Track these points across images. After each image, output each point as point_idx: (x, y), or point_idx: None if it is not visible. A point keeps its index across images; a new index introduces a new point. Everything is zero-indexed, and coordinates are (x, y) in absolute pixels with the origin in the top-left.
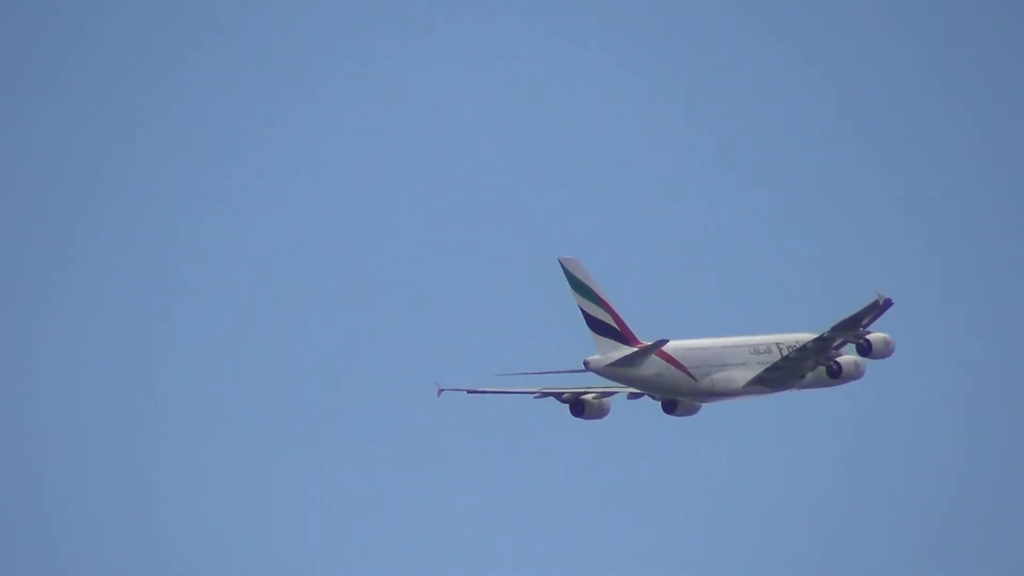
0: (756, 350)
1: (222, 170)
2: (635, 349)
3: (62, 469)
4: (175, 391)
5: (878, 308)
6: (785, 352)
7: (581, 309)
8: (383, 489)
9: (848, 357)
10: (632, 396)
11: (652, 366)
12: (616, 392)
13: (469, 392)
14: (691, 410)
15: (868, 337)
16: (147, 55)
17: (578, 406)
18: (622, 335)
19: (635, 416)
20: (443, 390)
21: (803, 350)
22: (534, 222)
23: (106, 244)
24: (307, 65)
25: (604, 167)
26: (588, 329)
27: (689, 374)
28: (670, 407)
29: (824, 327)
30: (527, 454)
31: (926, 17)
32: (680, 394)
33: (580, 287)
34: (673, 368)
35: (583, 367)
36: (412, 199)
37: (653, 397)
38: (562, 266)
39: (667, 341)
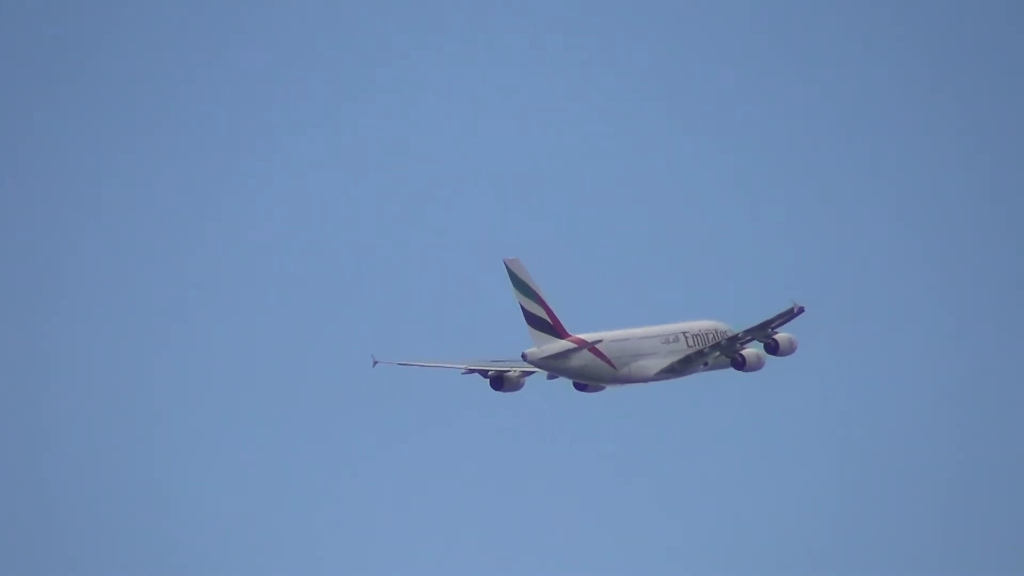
0: (666, 339)
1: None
2: (568, 344)
3: (63, 469)
4: (173, 384)
5: (791, 315)
6: (691, 341)
7: (520, 305)
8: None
9: (751, 351)
10: (551, 377)
11: (580, 358)
12: (534, 373)
13: (401, 364)
14: (598, 388)
15: (776, 337)
16: (149, 55)
17: (499, 381)
18: (555, 329)
19: (548, 391)
20: (377, 362)
21: (716, 346)
22: (489, 224)
23: (108, 244)
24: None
25: (554, 171)
26: (525, 324)
27: (611, 364)
28: (581, 386)
29: (720, 314)
30: (449, 419)
31: (924, 17)
32: (601, 381)
33: (521, 285)
34: (597, 359)
35: (521, 358)
36: (388, 201)
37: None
38: (506, 266)
39: (600, 341)
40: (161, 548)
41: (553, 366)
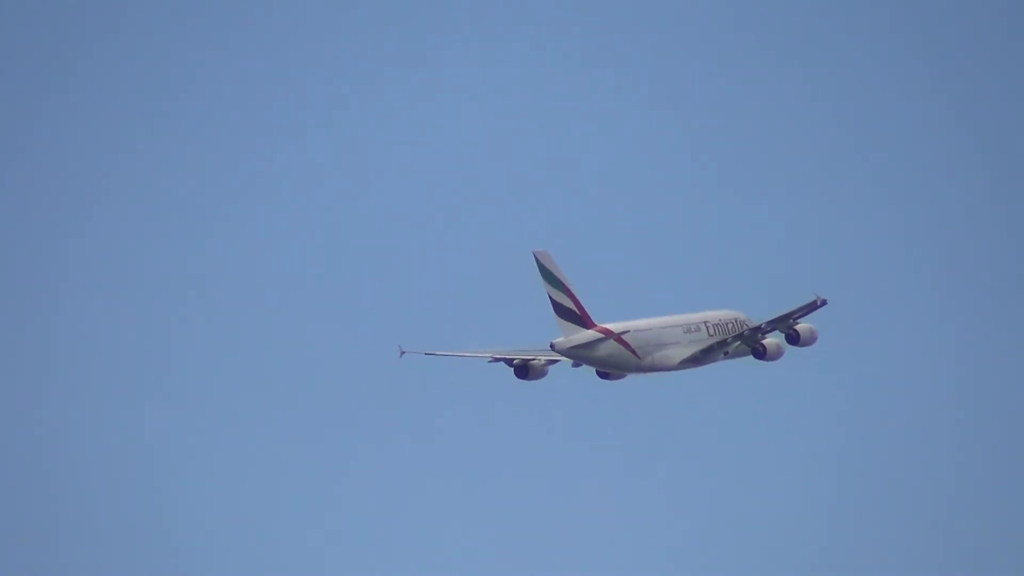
0: (688, 329)
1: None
2: (595, 333)
3: (65, 469)
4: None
5: (814, 307)
6: (712, 330)
7: (549, 296)
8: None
9: (772, 340)
10: (575, 365)
11: (606, 348)
12: (559, 361)
13: (427, 354)
14: (620, 376)
15: (796, 328)
16: (152, 58)
17: (523, 369)
18: (582, 320)
19: (572, 379)
20: (404, 352)
21: (738, 336)
22: (516, 217)
23: (112, 246)
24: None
25: (577, 165)
26: (554, 314)
27: (635, 353)
28: (604, 374)
29: (739, 303)
30: (476, 405)
31: (921, 17)
32: (626, 370)
33: (549, 277)
34: (623, 349)
35: (550, 347)
36: (414, 197)
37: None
38: (535, 258)
39: (628, 332)
40: (186, 547)
41: (580, 355)
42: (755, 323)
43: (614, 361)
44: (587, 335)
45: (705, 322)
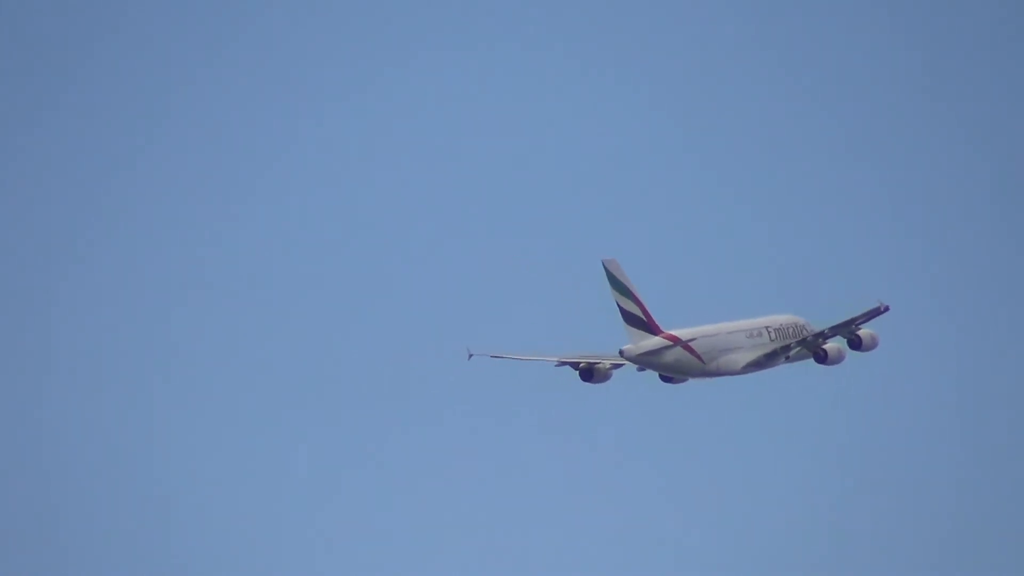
0: (751, 334)
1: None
2: (663, 340)
3: (65, 469)
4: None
5: (876, 314)
6: (773, 335)
7: (617, 304)
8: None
9: (833, 345)
10: (640, 369)
11: (672, 354)
12: (623, 365)
13: (493, 357)
14: (682, 380)
15: (859, 333)
16: (151, 58)
17: (588, 372)
18: (649, 326)
19: (635, 382)
20: (472, 355)
21: (801, 341)
22: (578, 225)
23: (112, 246)
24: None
25: (639, 175)
26: (623, 322)
27: (700, 359)
28: (667, 377)
29: (800, 307)
30: (543, 407)
31: (921, 18)
32: (691, 375)
33: (617, 285)
34: (689, 355)
35: (619, 354)
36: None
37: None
38: (604, 267)
39: (695, 340)
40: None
41: (648, 361)
42: (814, 327)
43: (680, 366)
44: (655, 342)
45: (767, 327)
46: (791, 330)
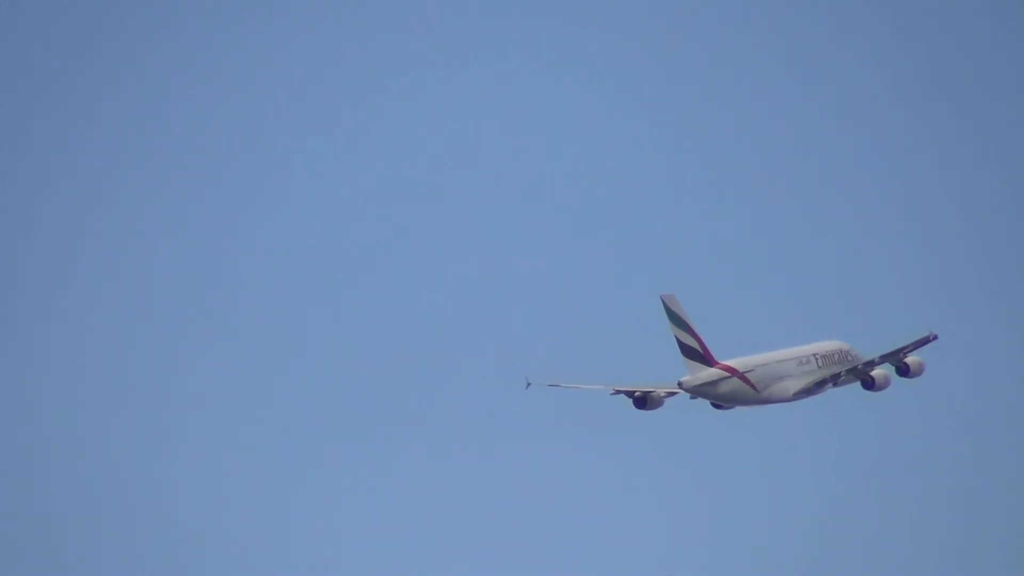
0: (800, 362)
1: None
2: (719, 372)
3: (65, 469)
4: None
5: (926, 342)
6: (820, 362)
7: (676, 338)
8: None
9: (880, 372)
10: (693, 397)
11: (728, 384)
12: (677, 393)
13: (550, 386)
14: (731, 407)
15: (907, 360)
16: (152, 58)
17: (643, 400)
18: (705, 357)
19: (686, 409)
20: (530, 384)
21: (851, 370)
22: (635, 259)
23: (112, 246)
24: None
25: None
26: (680, 355)
27: (754, 387)
28: (717, 405)
29: (843, 333)
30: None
31: (920, 18)
32: (745, 404)
33: (675, 318)
34: (744, 384)
35: (677, 386)
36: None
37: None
38: (662, 301)
39: (752, 371)
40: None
41: (705, 392)
42: (858, 352)
43: (735, 396)
44: (712, 373)
45: (815, 354)
46: (836, 356)
